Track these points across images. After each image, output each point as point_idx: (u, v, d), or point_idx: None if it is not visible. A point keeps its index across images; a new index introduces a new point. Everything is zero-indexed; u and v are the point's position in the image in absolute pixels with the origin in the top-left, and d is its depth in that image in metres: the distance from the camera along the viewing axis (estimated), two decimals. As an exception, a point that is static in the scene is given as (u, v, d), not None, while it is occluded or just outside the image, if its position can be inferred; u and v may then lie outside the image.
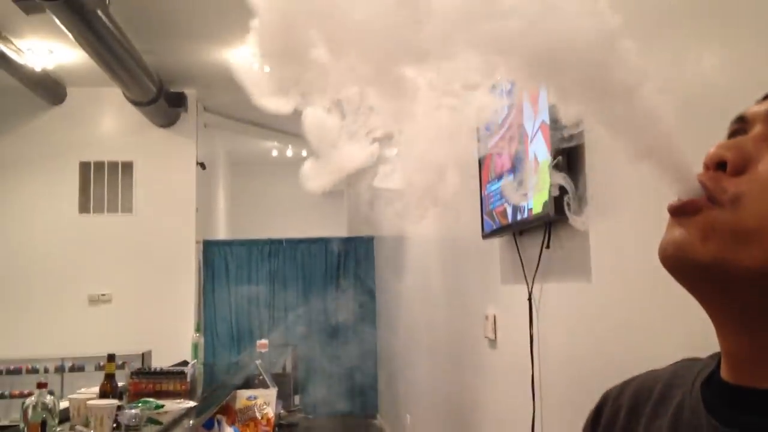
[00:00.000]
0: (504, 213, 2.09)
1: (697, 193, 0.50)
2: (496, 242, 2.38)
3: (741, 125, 0.54)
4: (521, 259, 2.08)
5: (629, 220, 1.39)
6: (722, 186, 0.50)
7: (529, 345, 1.97)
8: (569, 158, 1.59)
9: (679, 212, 0.51)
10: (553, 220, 1.72)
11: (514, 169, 1.97)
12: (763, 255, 0.47)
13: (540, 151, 1.72)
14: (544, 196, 1.70)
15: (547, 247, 1.86)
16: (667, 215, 0.52)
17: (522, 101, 1.86)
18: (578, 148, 1.57)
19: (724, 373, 0.53)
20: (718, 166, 0.51)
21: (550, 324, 1.87)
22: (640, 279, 1.33)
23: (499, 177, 2.14)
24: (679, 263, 0.51)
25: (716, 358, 0.55)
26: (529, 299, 1.99)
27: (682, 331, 1.14)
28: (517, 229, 2.08)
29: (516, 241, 2.12)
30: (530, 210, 1.83)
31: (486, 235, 2.34)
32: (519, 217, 1.95)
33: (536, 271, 1.94)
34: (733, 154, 0.50)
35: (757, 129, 0.52)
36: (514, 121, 1.96)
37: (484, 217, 2.34)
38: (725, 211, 0.49)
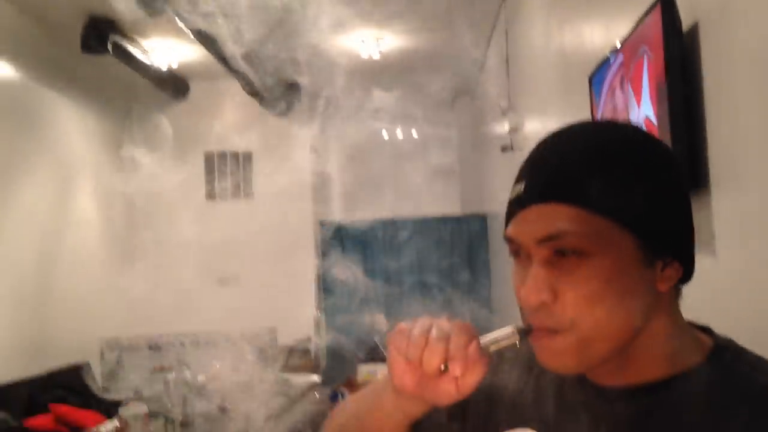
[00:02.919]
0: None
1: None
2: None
3: (515, 246, 0.69)
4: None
5: (759, 192, 1.33)
6: (555, 317, 0.66)
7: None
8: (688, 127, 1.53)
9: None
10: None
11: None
12: (604, 347, 0.66)
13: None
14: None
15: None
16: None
17: (628, 89, 1.80)
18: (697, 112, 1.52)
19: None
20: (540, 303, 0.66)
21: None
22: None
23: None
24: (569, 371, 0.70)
25: None
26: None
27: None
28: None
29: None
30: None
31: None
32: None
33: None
34: (546, 295, 0.65)
35: (536, 257, 0.67)
36: (621, 109, 1.91)
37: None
38: (569, 334, 0.65)
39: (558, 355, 0.67)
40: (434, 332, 0.67)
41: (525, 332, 0.68)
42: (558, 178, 0.67)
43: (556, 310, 0.65)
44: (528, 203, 0.67)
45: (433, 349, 0.66)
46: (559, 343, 0.66)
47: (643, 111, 1.68)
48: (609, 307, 0.64)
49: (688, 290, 0.72)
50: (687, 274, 0.69)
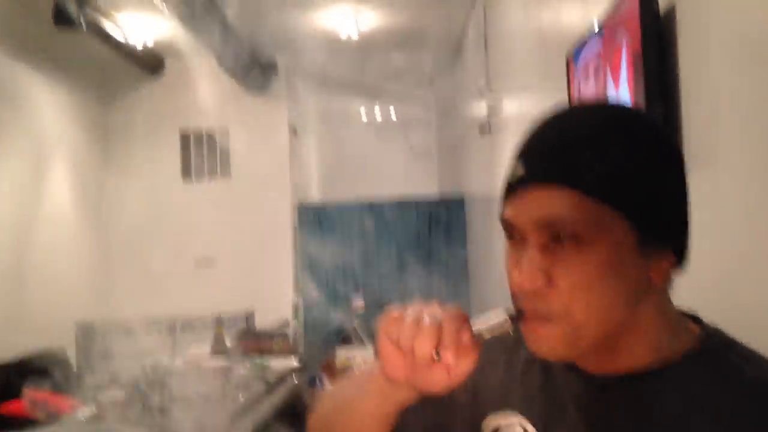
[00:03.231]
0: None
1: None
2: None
3: (510, 228, 0.68)
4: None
5: (732, 172, 1.32)
6: (549, 303, 0.64)
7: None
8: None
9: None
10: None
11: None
12: (594, 335, 0.65)
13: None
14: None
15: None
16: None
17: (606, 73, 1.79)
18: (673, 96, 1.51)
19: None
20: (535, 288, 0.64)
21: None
22: (742, 236, 1.28)
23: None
24: (558, 358, 0.70)
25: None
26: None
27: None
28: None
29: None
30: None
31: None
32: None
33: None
34: (541, 281, 0.64)
35: (532, 241, 0.65)
36: (598, 91, 1.89)
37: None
38: (562, 321, 0.64)
39: (549, 342, 0.66)
40: (426, 319, 0.65)
41: (516, 317, 0.67)
42: (560, 162, 0.64)
43: (550, 297, 0.64)
44: (527, 186, 0.65)
45: (425, 337, 0.64)
46: (551, 330, 0.65)
47: (620, 95, 1.67)
48: (603, 296, 0.63)
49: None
50: (681, 264, 0.69)
